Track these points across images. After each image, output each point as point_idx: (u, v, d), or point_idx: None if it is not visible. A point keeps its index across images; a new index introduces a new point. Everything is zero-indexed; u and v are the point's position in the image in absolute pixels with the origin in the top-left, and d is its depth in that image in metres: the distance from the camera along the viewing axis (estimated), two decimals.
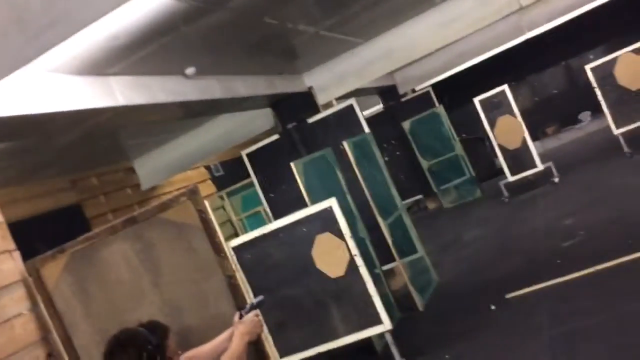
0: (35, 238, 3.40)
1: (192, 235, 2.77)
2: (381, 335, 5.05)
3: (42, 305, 3.00)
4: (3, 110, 3.06)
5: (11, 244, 2.98)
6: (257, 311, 2.77)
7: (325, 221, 4.83)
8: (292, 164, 5.45)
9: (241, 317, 2.72)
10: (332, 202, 4.80)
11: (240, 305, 2.76)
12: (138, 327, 2.54)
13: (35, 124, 3.62)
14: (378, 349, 5.35)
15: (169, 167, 7.86)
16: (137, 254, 2.86)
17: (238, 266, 5.04)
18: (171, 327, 2.80)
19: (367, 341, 5.22)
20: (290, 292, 4.94)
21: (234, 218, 8.50)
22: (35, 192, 6.41)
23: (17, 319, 2.85)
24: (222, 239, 2.76)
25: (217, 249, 2.73)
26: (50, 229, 5.20)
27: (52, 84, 3.44)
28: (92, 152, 6.38)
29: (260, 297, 2.91)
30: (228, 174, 9.58)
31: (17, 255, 2.99)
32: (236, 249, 5.05)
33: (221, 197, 8.70)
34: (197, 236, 2.75)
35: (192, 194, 2.72)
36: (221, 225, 7.87)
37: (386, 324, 4.77)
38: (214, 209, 7.95)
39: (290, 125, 6.89)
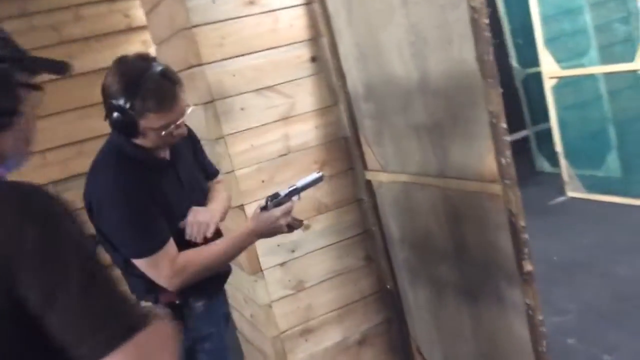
0: None
1: None
2: None
3: (315, 3, 2.68)
4: None
5: None
6: (293, 202, 1.86)
7: None
8: None
9: (265, 208, 1.86)
10: None
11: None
12: None
13: None
14: None
15: None
16: None
17: None
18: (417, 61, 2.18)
19: None
20: None
21: None
22: None
23: (284, 12, 2.63)
24: None
25: None
26: None
27: None
28: None
29: (318, 175, 1.98)
30: None
31: None
32: None
33: None
34: None
35: None
36: None
37: None
38: None
39: None
